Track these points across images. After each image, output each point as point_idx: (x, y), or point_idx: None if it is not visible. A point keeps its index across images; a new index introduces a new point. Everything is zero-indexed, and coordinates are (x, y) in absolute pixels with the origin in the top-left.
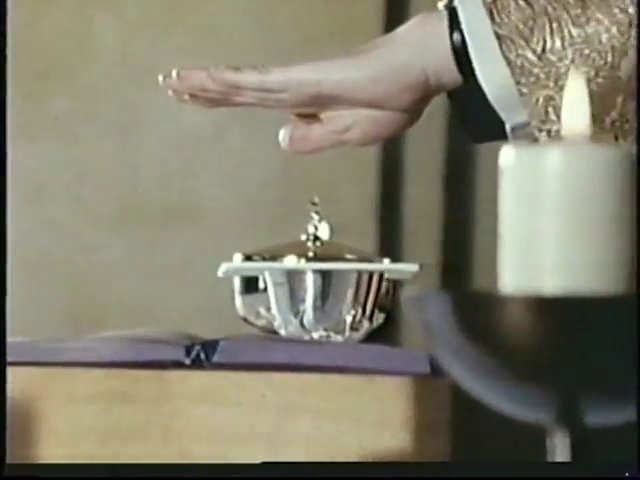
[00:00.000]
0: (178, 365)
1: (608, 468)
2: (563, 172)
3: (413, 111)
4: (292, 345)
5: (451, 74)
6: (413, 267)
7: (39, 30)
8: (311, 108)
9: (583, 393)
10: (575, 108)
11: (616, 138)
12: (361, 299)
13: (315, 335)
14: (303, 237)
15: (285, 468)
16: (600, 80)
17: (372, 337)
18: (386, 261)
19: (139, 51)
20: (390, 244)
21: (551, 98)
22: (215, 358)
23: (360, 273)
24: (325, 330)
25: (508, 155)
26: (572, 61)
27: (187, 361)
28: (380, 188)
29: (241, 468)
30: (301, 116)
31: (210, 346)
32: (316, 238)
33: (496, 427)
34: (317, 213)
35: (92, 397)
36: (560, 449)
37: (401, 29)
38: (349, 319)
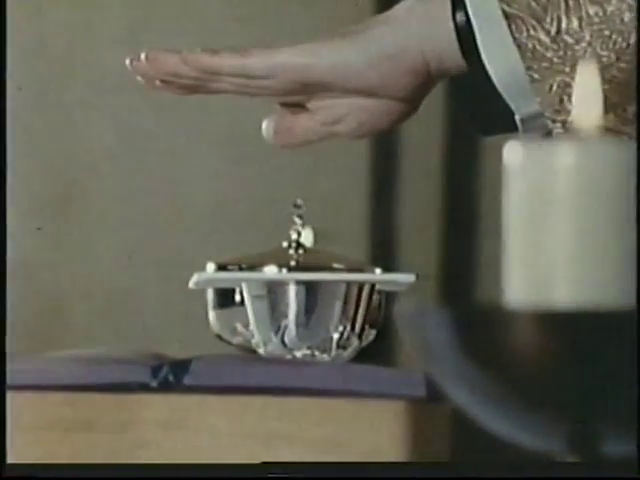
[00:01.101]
0: (144, 388)
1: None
2: (574, 170)
3: (411, 100)
4: (272, 365)
5: (454, 58)
6: (408, 278)
7: None
8: (298, 96)
9: (600, 420)
10: (587, 99)
11: None
12: (350, 314)
13: (298, 354)
14: (285, 244)
15: (285, 468)
16: (622, 65)
17: (362, 356)
18: (378, 271)
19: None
20: (383, 252)
21: (566, 85)
22: (186, 380)
23: (349, 284)
24: (309, 348)
25: (513, 151)
26: (590, 43)
27: (154, 383)
28: (371, 188)
29: (241, 468)
30: (286, 105)
31: (180, 366)
32: (299, 245)
33: (502, 458)
34: (300, 217)
35: (47, 425)
36: None
37: (399, 7)
38: (336, 336)
